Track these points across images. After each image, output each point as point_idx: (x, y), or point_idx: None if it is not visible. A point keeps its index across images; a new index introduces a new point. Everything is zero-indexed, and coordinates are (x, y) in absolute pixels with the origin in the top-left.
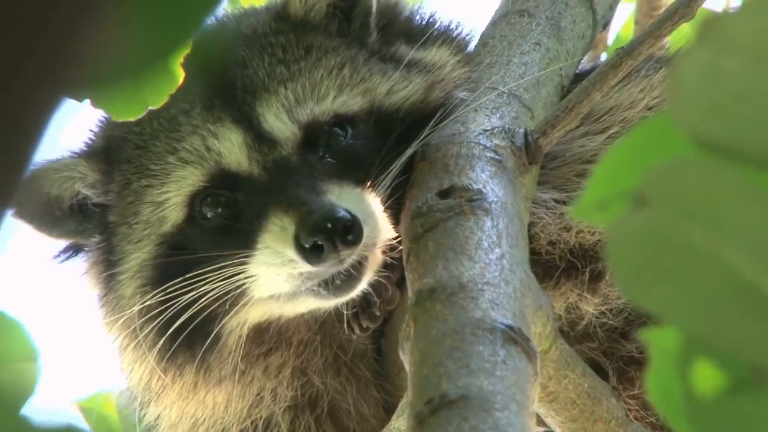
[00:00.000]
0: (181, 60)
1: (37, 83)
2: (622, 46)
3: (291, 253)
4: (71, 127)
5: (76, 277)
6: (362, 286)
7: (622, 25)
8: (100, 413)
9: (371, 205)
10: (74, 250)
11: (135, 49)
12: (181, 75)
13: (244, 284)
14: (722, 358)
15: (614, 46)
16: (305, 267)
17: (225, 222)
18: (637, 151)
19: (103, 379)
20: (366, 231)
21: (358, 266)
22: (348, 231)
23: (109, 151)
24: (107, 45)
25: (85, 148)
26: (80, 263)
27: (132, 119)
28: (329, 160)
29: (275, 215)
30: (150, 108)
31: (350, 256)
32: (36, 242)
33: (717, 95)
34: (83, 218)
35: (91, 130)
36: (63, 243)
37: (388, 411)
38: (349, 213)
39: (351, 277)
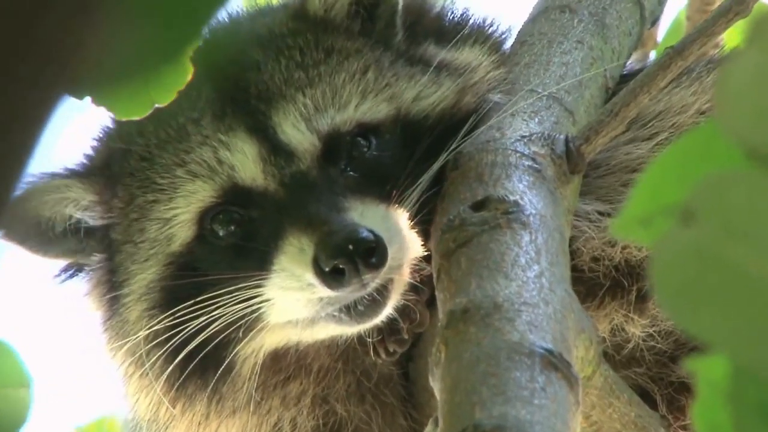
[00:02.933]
0: (191, 54)
1: (34, 81)
2: (672, 45)
3: (310, 276)
4: (72, 128)
5: (78, 298)
6: (387, 311)
7: (672, 21)
8: None
9: (397, 224)
10: (75, 269)
11: (141, 47)
12: (190, 70)
13: (259, 309)
14: None
15: (664, 44)
16: (325, 292)
17: (238, 241)
18: (682, 162)
19: (106, 403)
20: (391, 252)
21: (383, 290)
22: (371, 253)
23: (110, 167)
24: (111, 42)
25: (80, 167)
26: (81, 283)
27: (138, 118)
28: (351, 173)
29: (293, 235)
30: (156, 106)
31: (374, 280)
32: (30, 261)
33: None
34: (81, 237)
35: (92, 142)
36: (62, 263)
37: None
38: (373, 233)
39: (375, 302)
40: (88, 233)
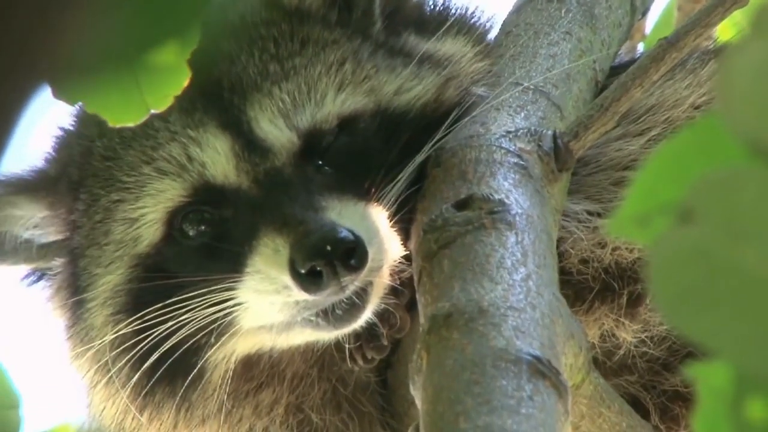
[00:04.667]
0: (188, 57)
1: (7, 73)
2: (666, 36)
3: (285, 278)
4: (47, 121)
5: (41, 303)
6: (366, 315)
7: (662, 11)
8: None
9: (376, 223)
10: (38, 274)
11: (122, 38)
12: (187, 74)
13: (231, 313)
14: None
15: (653, 36)
16: (301, 295)
17: (209, 242)
18: (682, 158)
19: (66, 410)
20: (371, 253)
21: (362, 293)
22: (350, 254)
23: (68, 173)
24: (89, 35)
25: (31, 177)
26: (44, 288)
27: (132, 124)
28: (329, 170)
29: (267, 235)
30: (153, 111)
31: (353, 283)
32: None
33: None
34: (36, 250)
35: (49, 147)
36: (24, 268)
37: None
38: (352, 233)
39: (354, 306)
40: (43, 247)
